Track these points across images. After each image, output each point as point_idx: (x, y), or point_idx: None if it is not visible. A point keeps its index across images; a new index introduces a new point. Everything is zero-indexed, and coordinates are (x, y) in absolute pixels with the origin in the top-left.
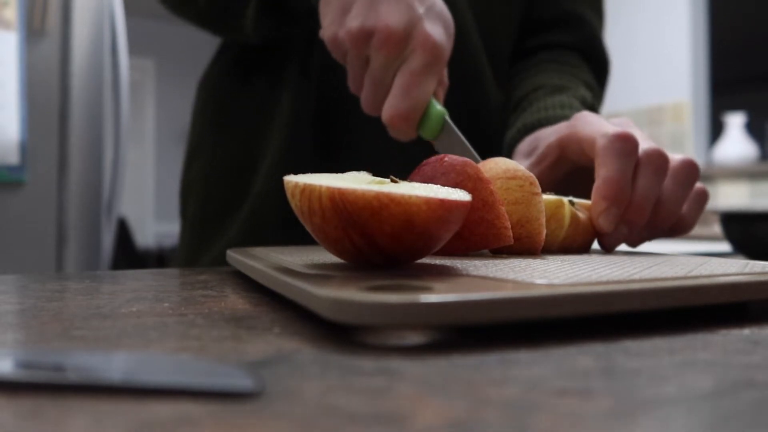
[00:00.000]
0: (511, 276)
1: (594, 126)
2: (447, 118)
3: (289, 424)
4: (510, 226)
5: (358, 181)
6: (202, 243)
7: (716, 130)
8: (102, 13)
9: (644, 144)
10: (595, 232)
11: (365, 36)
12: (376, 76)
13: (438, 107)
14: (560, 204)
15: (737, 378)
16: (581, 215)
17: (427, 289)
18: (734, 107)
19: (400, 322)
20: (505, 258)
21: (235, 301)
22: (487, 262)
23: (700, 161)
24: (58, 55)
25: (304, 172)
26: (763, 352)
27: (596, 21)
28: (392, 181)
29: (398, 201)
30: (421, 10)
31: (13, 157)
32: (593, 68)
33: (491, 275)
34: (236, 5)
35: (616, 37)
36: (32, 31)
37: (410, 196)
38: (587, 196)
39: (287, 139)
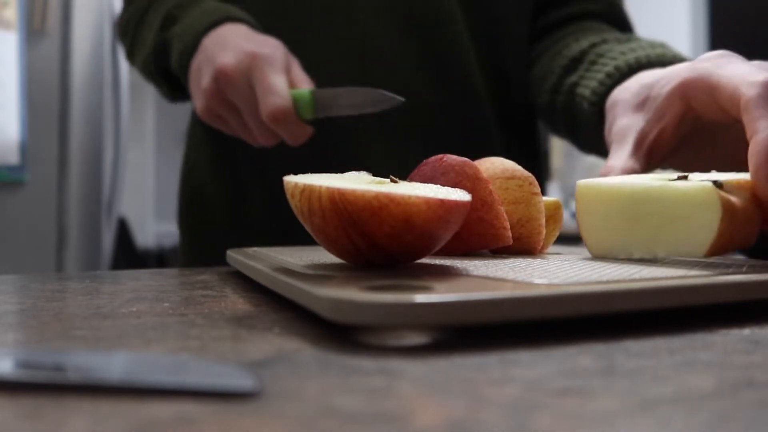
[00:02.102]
0: (511, 276)
1: (731, 69)
2: (314, 89)
3: (289, 424)
4: (509, 226)
5: (358, 181)
6: (201, 255)
7: None
8: (102, 13)
9: None
10: (762, 217)
11: (215, 86)
12: (245, 108)
13: (303, 90)
14: (558, 205)
15: (737, 378)
16: (736, 200)
17: (427, 289)
18: None
19: (400, 322)
20: (505, 258)
21: (235, 301)
22: (487, 262)
23: None
24: (58, 55)
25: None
26: (763, 352)
27: None
28: (392, 181)
29: (398, 201)
30: (242, 43)
31: (13, 157)
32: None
33: (491, 275)
34: (158, 89)
35: None
36: (32, 31)
37: (410, 196)
38: (714, 167)
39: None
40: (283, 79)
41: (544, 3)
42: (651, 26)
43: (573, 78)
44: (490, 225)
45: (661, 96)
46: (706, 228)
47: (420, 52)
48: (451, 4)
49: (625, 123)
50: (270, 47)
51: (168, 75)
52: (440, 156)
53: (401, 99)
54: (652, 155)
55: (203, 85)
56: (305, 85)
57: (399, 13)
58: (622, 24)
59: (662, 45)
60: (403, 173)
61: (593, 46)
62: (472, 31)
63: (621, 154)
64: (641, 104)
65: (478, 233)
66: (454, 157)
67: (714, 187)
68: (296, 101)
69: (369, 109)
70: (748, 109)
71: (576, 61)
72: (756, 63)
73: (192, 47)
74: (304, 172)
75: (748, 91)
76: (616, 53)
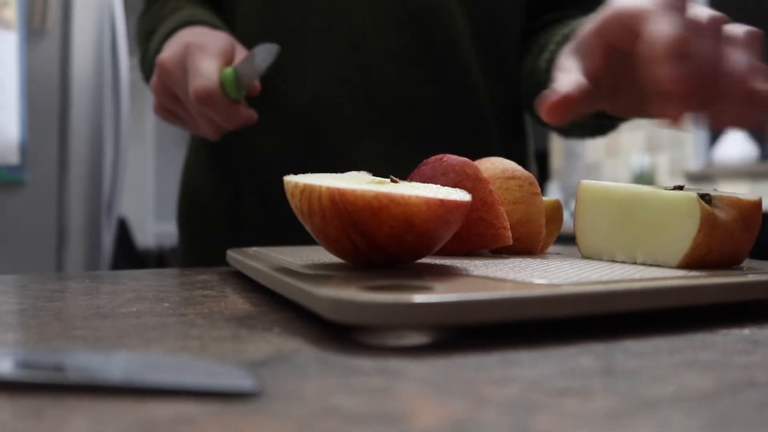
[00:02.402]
0: (511, 276)
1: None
2: (237, 66)
3: (289, 424)
4: (509, 226)
5: (358, 181)
6: (200, 256)
7: (716, 130)
8: (102, 13)
9: (739, 27)
10: (748, 239)
11: (159, 83)
12: (183, 98)
13: (227, 69)
14: (558, 206)
15: (737, 378)
16: (721, 215)
17: (427, 289)
18: None
19: (400, 322)
20: (505, 258)
21: (236, 301)
22: (487, 262)
23: (700, 161)
24: (58, 55)
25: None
26: (763, 352)
27: None
28: (392, 181)
29: (398, 201)
30: (186, 38)
31: (13, 157)
32: None
33: (491, 275)
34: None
35: None
36: (32, 31)
37: (410, 196)
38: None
39: (279, 152)
40: (212, 62)
41: (535, 8)
42: None
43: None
44: (491, 225)
45: (584, 37)
46: (682, 239)
47: (419, 50)
48: (450, 2)
49: (562, 63)
50: (208, 37)
51: None
52: (440, 156)
53: (277, 46)
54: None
55: (153, 85)
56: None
57: (397, 11)
58: None
59: None
60: (402, 172)
61: (571, 33)
62: (471, 29)
63: (566, 75)
64: (573, 49)
65: (478, 233)
66: (455, 157)
67: (698, 198)
68: (223, 82)
69: (269, 59)
70: (645, 19)
71: (555, 42)
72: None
73: (155, 54)
74: (303, 172)
75: (646, 9)
76: (574, 24)
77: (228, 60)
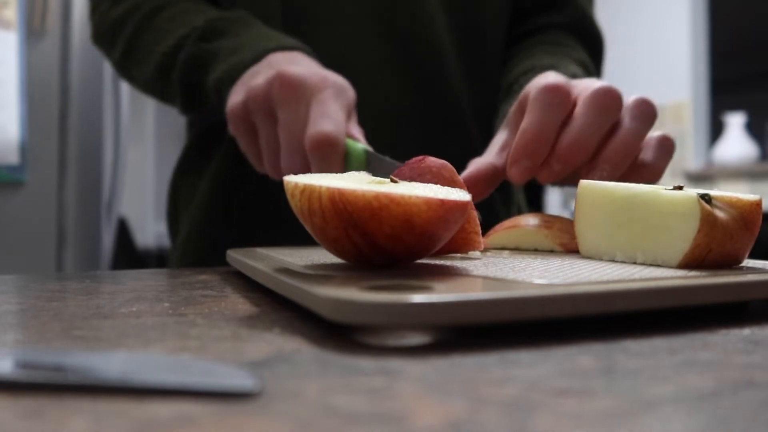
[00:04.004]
0: (511, 276)
1: (540, 80)
2: (370, 149)
3: (289, 424)
4: (480, 231)
5: (358, 181)
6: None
7: (716, 130)
8: None
9: (595, 85)
10: (748, 239)
11: (267, 89)
12: (288, 123)
13: (359, 144)
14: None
15: (737, 378)
16: (722, 216)
17: (427, 289)
18: (734, 107)
19: (399, 321)
20: (505, 258)
21: (236, 301)
22: (487, 262)
23: (700, 161)
24: (58, 55)
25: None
26: (763, 352)
27: (584, 0)
28: (392, 181)
29: (398, 201)
30: (314, 68)
31: (13, 157)
32: (586, 46)
33: (491, 275)
34: (167, 94)
35: (616, 37)
36: (32, 31)
37: (410, 196)
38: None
39: (228, 161)
40: (343, 116)
41: (518, 13)
42: (651, 26)
43: (503, 107)
44: (462, 229)
45: (511, 114)
46: (682, 238)
47: (402, 59)
48: (434, 11)
49: (495, 136)
50: (345, 83)
51: (187, 86)
52: (421, 157)
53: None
54: None
55: (254, 83)
56: (360, 139)
57: (382, 20)
58: (588, 36)
59: (564, 64)
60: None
61: (519, 77)
62: (454, 38)
63: (486, 153)
64: (506, 122)
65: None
66: (434, 159)
67: (698, 198)
68: (347, 157)
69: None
70: (527, 107)
71: (506, 91)
72: (584, 81)
73: (254, 60)
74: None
75: (531, 93)
76: (524, 82)
77: (350, 114)
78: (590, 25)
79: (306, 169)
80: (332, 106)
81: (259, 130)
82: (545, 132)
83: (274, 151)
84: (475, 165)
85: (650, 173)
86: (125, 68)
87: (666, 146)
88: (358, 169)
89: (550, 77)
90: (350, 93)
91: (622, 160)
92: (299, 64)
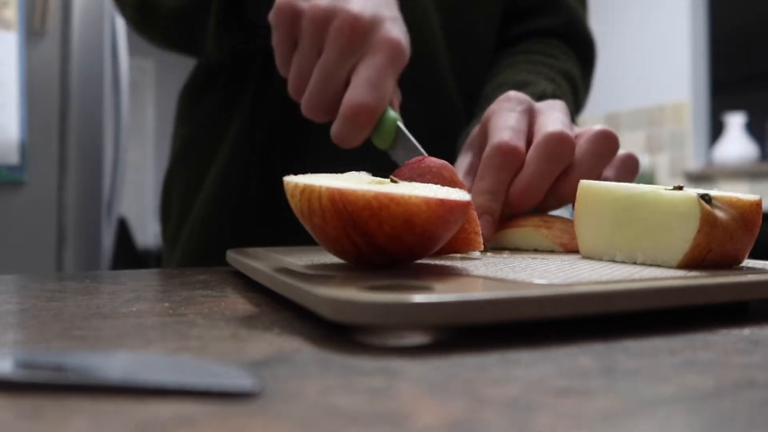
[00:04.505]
0: (511, 276)
1: (498, 120)
2: (401, 124)
3: (289, 424)
4: (480, 231)
5: (358, 181)
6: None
7: (716, 130)
8: (102, 13)
9: (548, 129)
10: (748, 239)
11: (328, 16)
12: (329, 66)
13: (392, 113)
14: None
15: (737, 378)
16: (722, 216)
17: (427, 289)
18: (734, 107)
19: (399, 321)
20: (505, 258)
21: (236, 301)
22: (487, 262)
23: (700, 161)
24: (58, 55)
25: (249, 189)
26: (763, 352)
27: (576, 4)
28: (392, 181)
29: (398, 201)
30: (387, 12)
31: (13, 157)
32: (578, 51)
33: (491, 275)
34: (198, 23)
35: (616, 37)
36: (32, 31)
37: (410, 196)
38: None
39: (232, 160)
40: (392, 87)
41: (509, 15)
42: (651, 26)
43: (473, 121)
44: (462, 229)
45: (473, 136)
46: (682, 238)
47: None
48: (427, 11)
49: (459, 158)
50: (406, 42)
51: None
52: (421, 157)
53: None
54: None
55: (317, 1)
56: (397, 102)
57: None
58: (579, 41)
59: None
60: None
61: (490, 93)
62: (447, 38)
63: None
64: (468, 144)
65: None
66: (434, 159)
67: (698, 198)
68: (382, 121)
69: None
70: (481, 165)
71: (481, 104)
72: (542, 104)
73: None
74: (286, 175)
75: (486, 151)
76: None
77: (396, 81)
78: (582, 30)
79: (326, 115)
80: (383, 73)
81: (300, 47)
82: (498, 196)
83: (302, 79)
84: None
85: None
86: (145, 14)
87: (629, 165)
88: (384, 140)
89: (500, 130)
90: (405, 57)
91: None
92: None
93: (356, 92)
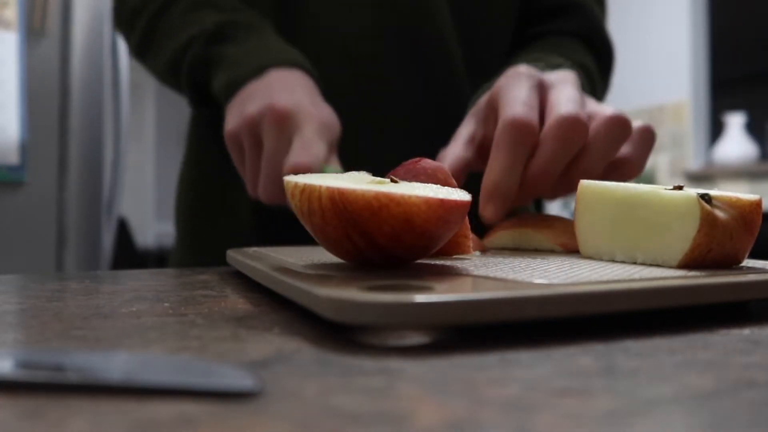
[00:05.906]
0: (511, 276)
1: (509, 93)
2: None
3: (289, 424)
4: (470, 235)
5: (358, 181)
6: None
7: (716, 130)
8: (102, 13)
9: (561, 110)
10: (748, 239)
11: (260, 116)
12: (271, 154)
13: (333, 167)
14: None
15: (737, 378)
16: (722, 216)
17: (427, 289)
18: (734, 107)
19: (400, 322)
20: (505, 258)
21: (236, 301)
22: (487, 262)
23: (700, 161)
24: (58, 55)
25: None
26: (763, 352)
27: (597, 8)
28: (392, 181)
29: (398, 201)
30: (307, 100)
31: (13, 157)
32: (595, 56)
33: (491, 275)
34: (179, 92)
35: (616, 37)
36: (32, 31)
37: (410, 196)
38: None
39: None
40: (323, 147)
41: (527, 17)
42: (651, 26)
43: None
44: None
45: (481, 105)
46: (682, 238)
47: (407, 52)
48: (439, 5)
49: (462, 126)
50: (332, 119)
51: (194, 85)
52: (417, 159)
53: None
54: (484, 154)
55: (247, 111)
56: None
57: (386, 13)
58: (599, 45)
59: (556, 56)
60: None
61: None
62: (459, 32)
63: (454, 145)
64: (473, 113)
65: None
66: (429, 161)
67: (697, 198)
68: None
69: None
70: (494, 140)
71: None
72: (552, 76)
73: (253, 75)
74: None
75: (499, 124)
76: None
77: (331, 149)
78: (601, 35)
79: (282, 198)
80: (314, 140)
81: (246, 155)
82: (514, 173)
83: (255, 177)
84: (448, 161)
85: (631, 168)
86: (142, 57)
87: (646, 138)
88: None
89: (516, 101)
90: (335, 129)
91: (593, 176)
92: (294, 92)
93: (291, 155)
